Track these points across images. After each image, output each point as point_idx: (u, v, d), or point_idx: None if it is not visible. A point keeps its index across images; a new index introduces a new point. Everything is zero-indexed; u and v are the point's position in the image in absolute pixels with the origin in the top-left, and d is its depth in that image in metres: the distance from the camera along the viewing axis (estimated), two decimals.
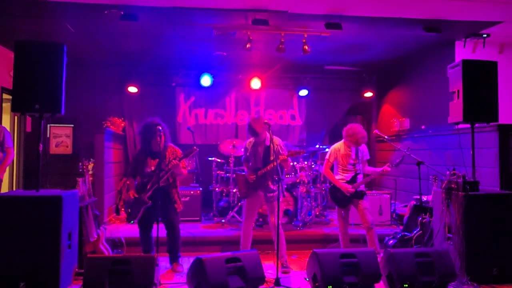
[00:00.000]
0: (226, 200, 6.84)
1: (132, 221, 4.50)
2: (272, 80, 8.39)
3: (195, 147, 4.61)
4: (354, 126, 5.13)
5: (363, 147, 5.25)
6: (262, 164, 4.78)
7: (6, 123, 7.00)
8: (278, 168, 4.30)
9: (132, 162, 4.84)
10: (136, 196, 4.56)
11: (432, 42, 6.44)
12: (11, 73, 4.06)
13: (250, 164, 4.90)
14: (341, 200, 5.10)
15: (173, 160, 4.48)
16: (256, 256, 3.92)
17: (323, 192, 6.99)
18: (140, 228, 4.69)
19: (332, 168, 5.30)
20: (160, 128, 4.49)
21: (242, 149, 5.12)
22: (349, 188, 5.00)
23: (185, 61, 7.66)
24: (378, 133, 5.68)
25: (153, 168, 4.55)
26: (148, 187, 4.52)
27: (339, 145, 5.24)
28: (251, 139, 4.91)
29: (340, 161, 5.18)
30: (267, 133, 4.76)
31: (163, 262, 4.87)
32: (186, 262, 4.85)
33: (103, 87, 8.00)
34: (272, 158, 4.69)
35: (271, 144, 4.60)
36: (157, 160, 4.54)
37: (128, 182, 4.74)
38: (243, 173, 5.07)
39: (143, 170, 4.61)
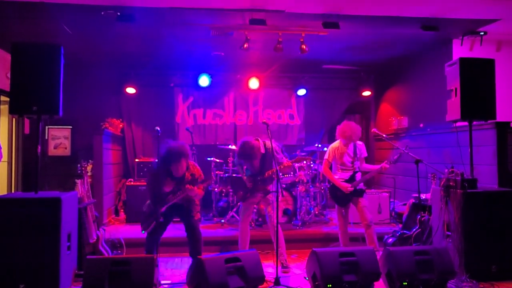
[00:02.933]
0: (226, 200, 6.84)
1: (143, 231, 4.45)
2: (270, 79, 8.39)
3: (209, 180, 4.58)
4: (343, 125, 5.15)
5: (361, 145, 5.25)
6: (259, 171, 4.80)
7: (4, 125, 7.00)
8: (279, 172, 4.33)
9: (150, 180, 4.66)
10: (152, 207, 4.43)
11: (430, 41, 6.44)
12: (8, 75, 4.05)
13: (245, 170, 4.92)
14: (341, 198, 5.10)
15: (188, 185, 4.37)
16: (256, 255, 3.92)
17: (322, 191, 6.99)
18: (147, 234, 4.52)
19: (331, 168, 5.30)
20: (184, 159, 4.42)
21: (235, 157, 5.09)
22: (348, 187, 5.01)
23: (183, 61, 7.65)
24: (377, 131, 5.68)
25: (171, 188, 4.45)
26: (165, 201, 4.42)
27: (337, 144, 5.25)
28: None
29: (339, 159, 5.18)
30: (260, 142, 4.78)
31: (163, 262, 4.87)
32: (186, 262, 4.85)
33: (101, 88, 7.99)
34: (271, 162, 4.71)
35: (267, 150, 4.63)
36: (175, 181, 4.45)
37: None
38: (239, 175, 5.06)
39: (162, 188, 4.48)
